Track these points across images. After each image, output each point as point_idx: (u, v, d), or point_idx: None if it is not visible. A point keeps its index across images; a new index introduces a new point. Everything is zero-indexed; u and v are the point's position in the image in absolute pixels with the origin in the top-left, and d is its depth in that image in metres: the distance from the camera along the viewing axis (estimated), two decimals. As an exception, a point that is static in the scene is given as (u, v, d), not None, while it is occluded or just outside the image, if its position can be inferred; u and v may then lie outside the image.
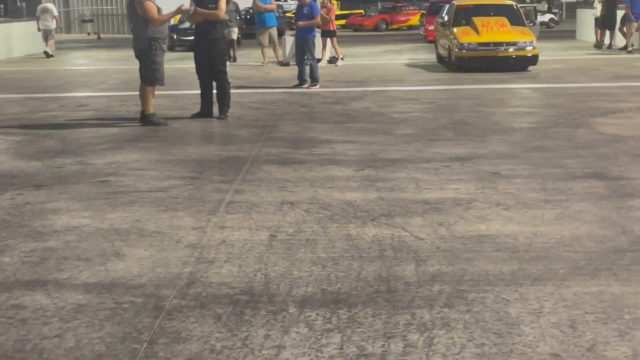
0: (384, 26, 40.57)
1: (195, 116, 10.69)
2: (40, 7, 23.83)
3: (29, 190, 6.61)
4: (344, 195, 6.26)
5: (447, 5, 20.28)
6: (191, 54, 11.23)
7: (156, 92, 10.56)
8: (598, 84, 13.80)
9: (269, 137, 9.11)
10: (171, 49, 24.50)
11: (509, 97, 12.43)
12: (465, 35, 16.56)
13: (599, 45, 22.25)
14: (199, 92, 10.87)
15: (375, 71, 17.37)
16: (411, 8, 43.32)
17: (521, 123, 9.84)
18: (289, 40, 19.68)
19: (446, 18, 18.38)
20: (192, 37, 12.29)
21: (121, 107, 11.86)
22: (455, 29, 17.10)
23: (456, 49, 16.45)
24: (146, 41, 9.81)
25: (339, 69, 18.13)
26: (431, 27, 26.93)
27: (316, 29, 15.20)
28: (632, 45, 20.31)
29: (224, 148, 8.48)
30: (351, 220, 5.56)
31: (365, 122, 10.14)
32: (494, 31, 16.59)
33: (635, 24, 19.95)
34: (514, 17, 17.43)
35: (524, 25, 17.37)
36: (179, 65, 18.35)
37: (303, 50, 14.34)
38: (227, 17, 10.62)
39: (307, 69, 14.30)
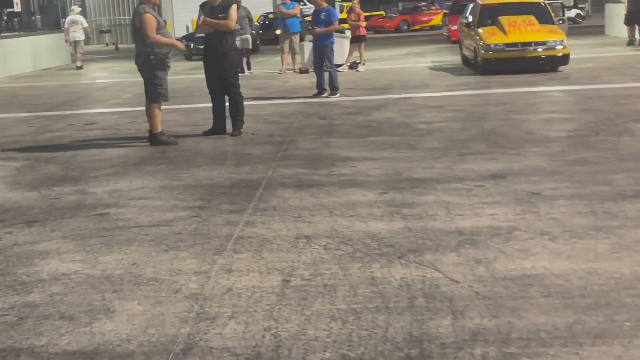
0: (405, 27, 39.83)
1: (207, 133, 10.05)
2: (69, 18, 23.71)
3: (20, 228, 5.99)
4: (366, 226, 5.58)
5: (471, 5, 19.54)
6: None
7: (168, 107, 9.97)
8: (636, 84, 12.98)
9: (285, 156, 8.45)
10: (188, 58, 23.98)
11: (542, 102, 11.66)
12: (491, 36, 15.81)
13: (631, 42, 21.32)
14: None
15: (397, 76, 16.66)
16: (433, 8, 42.49)
17: (558, 131, 9.09)
18: (308, 46, 19.02)
19: (470, 18, 17.63)
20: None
21: (131, 124, 11.26)
22: (480, 30, 16.35)
23: (482, 51, 15.69)
24: (145, 55, 9.20)
25: (359, 75, 17.45)
26: (454, 27, 26.18)
27: (335, 35, 14.48)
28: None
29: (235, 170, 7.83)
30: (375, 258, 4.88)
31: (388, 135, 9.45)
32: (522, 30, 15.81)
33: None
34: (542, 15, 16.64)
35: (552, 23, 16.57)
36: (195, 75, 17.75)
37: (321, 57, 13.67)
38: (239, 27, 9.93)
39: (326, 76, 13.63)
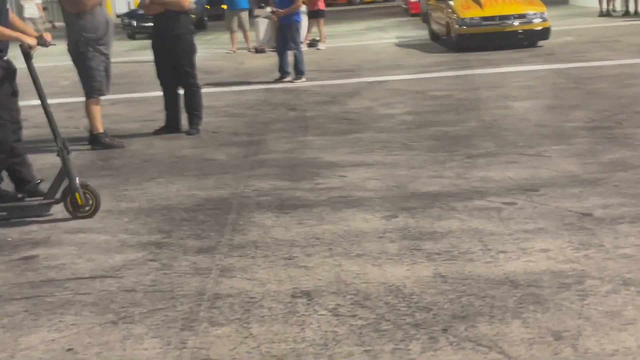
0: (357, 0, 38.34)
1: (158, 132, 8.54)
2: None
3: None
4: (384, 273, 4.19)
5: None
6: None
7: (110, 98, 8.43)
8: (631, 61, 11.77)
9: (256, 162, 7.00)
10: (131, 37, 22.22)
11: (537, 85, 10.37)
12: (466, 9, 14.48)
13: (605, 13, 20.16)
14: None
15: (364, 55, 15.25)
16: (385, -21, 41.09)
17: (573, 122, 7.80)
18: (262, 23, 17.49)
19: (440, -10, 16.25)
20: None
21: (69, 120, 9.65)
22: (452, 2, 15.01)
23: (456, 25, 14.37)
24: (74, 43, 7.63)
25: (322, 54, 16.00)
26: None
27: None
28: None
29: (198, 184, 6.35)
30: (410, 332, 3.48)
31: (373, 131, 8.06)
32: (499, 2, 14.53)
33: None
34: (519, -14, 15.35)
35: (529, -5, 15.30)
36: (139, 57, 16.09)
37: (285, 37, 12.18)
38: (194, 7, 8.38)
39: (290, 58, 12.17)
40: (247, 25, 17.32)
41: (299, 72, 12.07)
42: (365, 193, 5.75)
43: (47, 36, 5.72)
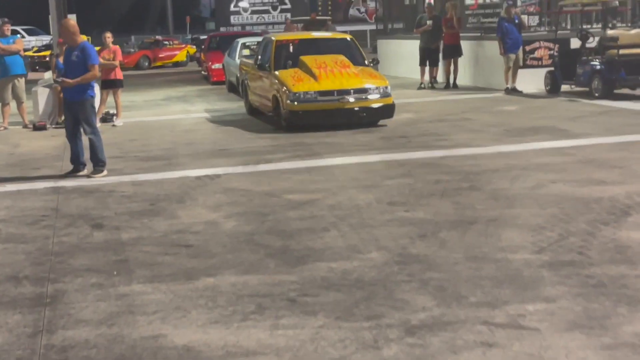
0: (146, 64, 35.36)
1: None
2: None
3: None
4: None
5: (254, 40, 16.04)
6: None
7: None
8: (505, 148, 9.92)
9: (52, 351, 4.06)
10: None
11: (420, 185, 8.10)
12: (298, 82, 12.17)
13: (429, 85, 18.72)
14: None
15: (174, 134, 12.47)
16: (176, 42, 38.56)
17: (514, 252, 5.53)
18: (42, 92, 14.25)
19: (261, 57, 13.88)
20: None
21: None
22: (278, 73, 12.65)
23: (287, 100, 12.00)
24: None
25: (121, 132, 13.03)
26: (216, 66, 22.45)
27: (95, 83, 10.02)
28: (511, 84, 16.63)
29: None
30: None
31: (234, 270, 5.36)
32: (335, 74, 12.34)
33: (512, 56, 16.30)
34: (353, 55, 13.32)
35: (365, 64, 13.30)
36: None
37: (76, 118, 9.17)
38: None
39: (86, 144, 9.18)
40: (23, 95, 13.96)
41: (98, 163, 9.11)
42: None
43: None
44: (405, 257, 5.52)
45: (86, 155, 9.21)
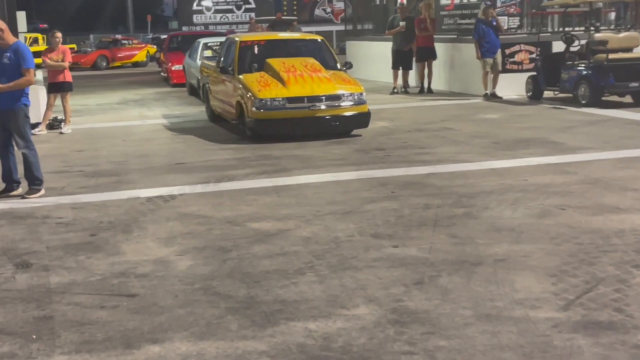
0: (104, 64, 33.97)
1: None
2: None
3: None
4: None
5: (222, 42, 15.05)
6: None
7: None
8: (496, 163, 8.91)
9: None
10: None
11: (407, 210, 7.03)
12: (264, 87, 11.04)
13: (398, 90, 17.69)
14: None
15: (127, 144, 11.28)
16: (135, 42, 37.16)
17: (536, 309, 4.47)
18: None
19: (224, 59, 12.72)
20: None
21: None
22: (243, 77, 11.51)
23: (253, 108, 10.86)
24: None
25: (68, 140, 11.81)
26: (176, 67, 21.24)
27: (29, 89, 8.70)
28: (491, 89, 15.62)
29: None
30: None
31: (186, 339, 4.23)
32: (306, 80, 11.23)
33: (489, 61, 15.28)
34: (324, 58, 12.23)
35: (337, 68, 12.21)
36: None
37: (6, 130, 7.94)
38: None
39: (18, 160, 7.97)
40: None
41: (33, 182, 7.90)
42: None
43: None
44: (401, 313, 4.43)
45: (20, 171, 8.01)
